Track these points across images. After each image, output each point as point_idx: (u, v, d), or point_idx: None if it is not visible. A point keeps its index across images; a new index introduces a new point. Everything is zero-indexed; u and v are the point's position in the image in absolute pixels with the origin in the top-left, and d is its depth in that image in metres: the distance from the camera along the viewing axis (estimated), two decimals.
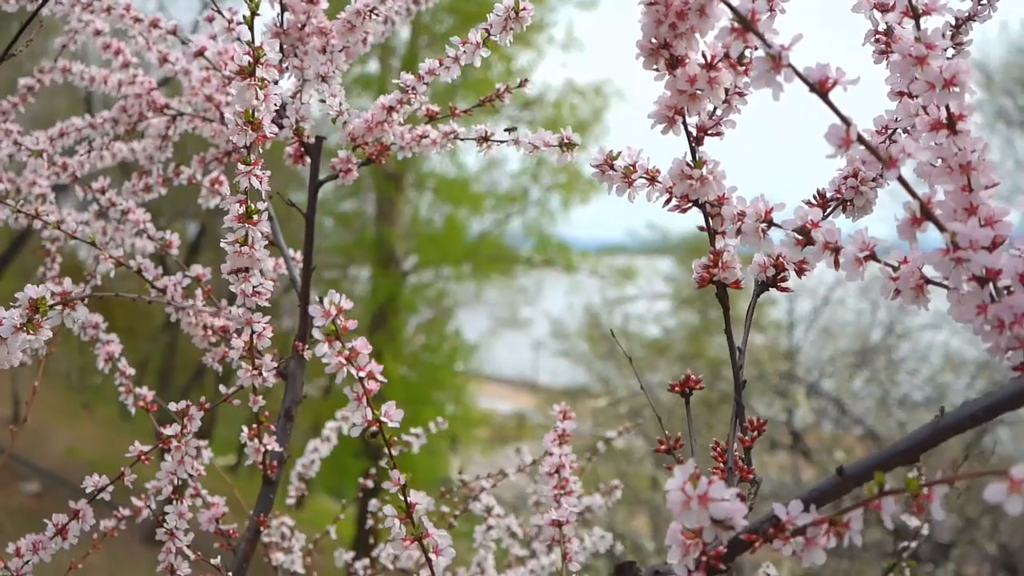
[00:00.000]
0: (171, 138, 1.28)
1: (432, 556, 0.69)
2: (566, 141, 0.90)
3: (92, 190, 1.20)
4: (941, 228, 0.55)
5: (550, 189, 11.70)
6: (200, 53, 1.09)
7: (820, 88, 0.54)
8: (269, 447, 1.02)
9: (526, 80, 1.07)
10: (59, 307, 0.72)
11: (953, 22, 0.79)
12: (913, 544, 1.22)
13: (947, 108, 0.58)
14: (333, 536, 1.47)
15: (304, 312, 1.04)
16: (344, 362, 0.66)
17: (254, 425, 1.02)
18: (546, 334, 11.97)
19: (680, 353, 9.51)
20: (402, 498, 0.69)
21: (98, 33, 1.23)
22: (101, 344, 1.17)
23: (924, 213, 0.56)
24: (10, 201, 1.03)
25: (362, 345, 0.67)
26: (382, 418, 0.68)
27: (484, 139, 1.01)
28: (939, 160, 0.60)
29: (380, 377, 0.67)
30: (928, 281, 0.58)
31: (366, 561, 1.42)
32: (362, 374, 0.67)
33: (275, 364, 0.96)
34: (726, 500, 0.54)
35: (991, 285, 0.56)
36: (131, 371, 1.15)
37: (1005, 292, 0.56)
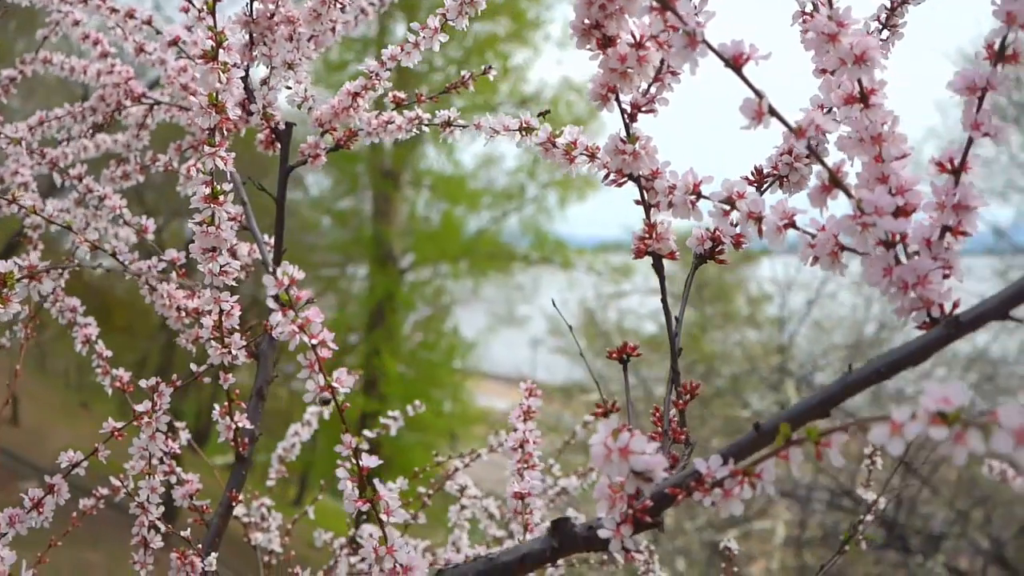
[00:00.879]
0: (148, 127, 1.31)
1: (384, 517, 0.72)
2: (525, 126, 0.93)
3: (70, 176, 1.23)
4: (849, 195, 0.58)
5: (547, 186, 11.73)
6: (174, 42, 1.12)
7: (734, 63, 0.57)
8: (240, 424, 1.06)
9: (490, 67, 1.10)
10: (26, 280, 0.75)
11: (889, 4, 0.82)
12: (868, 518, 1.25)
13: (859, 83, 0.61)
14: (311, 516, 1.50)
15: None
16: (297, 330, 0.69)
17: (225, 403, 1.05)
18: (543, 331, 12.00)
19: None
20: (354, 461, 0.72)
21: (77, 23, 1.26)
22: (79, 327, 1.20)
23: (833, 181, 0.59)
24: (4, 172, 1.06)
25: (314, 314, 0.70)
26: (334, 384, 0.71)
27: (447, 124, 1.04)
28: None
29: (332, 344, 0.71)
30: (843, 248, 0.61)
31: (342, 540, 1.45)
32: (315, 342, 0.70)
33: (244, 343, 1.00)
34: (646, 453, 0.57)
35: (900, 249, 0.59)
36: (108, 353, 1.18)
37: (915, 257, 0.60)
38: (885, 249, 0.58)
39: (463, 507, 1.41)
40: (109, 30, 1.30)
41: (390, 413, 1.50)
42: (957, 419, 0.43)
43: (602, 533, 0.61)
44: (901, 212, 0.59)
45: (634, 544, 0.62)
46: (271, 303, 0.69)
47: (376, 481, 0.72)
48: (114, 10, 1.17)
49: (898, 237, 0.58)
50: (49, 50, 1.40)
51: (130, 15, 1.18)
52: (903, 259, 0.59)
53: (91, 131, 1.30)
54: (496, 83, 11.39)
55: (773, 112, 0.57)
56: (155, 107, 1.30)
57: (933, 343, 0.54)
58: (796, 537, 6.37)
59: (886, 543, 6.18)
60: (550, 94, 11.17)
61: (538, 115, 0.88)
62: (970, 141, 0.59)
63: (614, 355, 0.75)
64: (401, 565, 0.71)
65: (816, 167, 0.59)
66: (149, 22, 1.19)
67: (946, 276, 0.58)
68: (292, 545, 1.50)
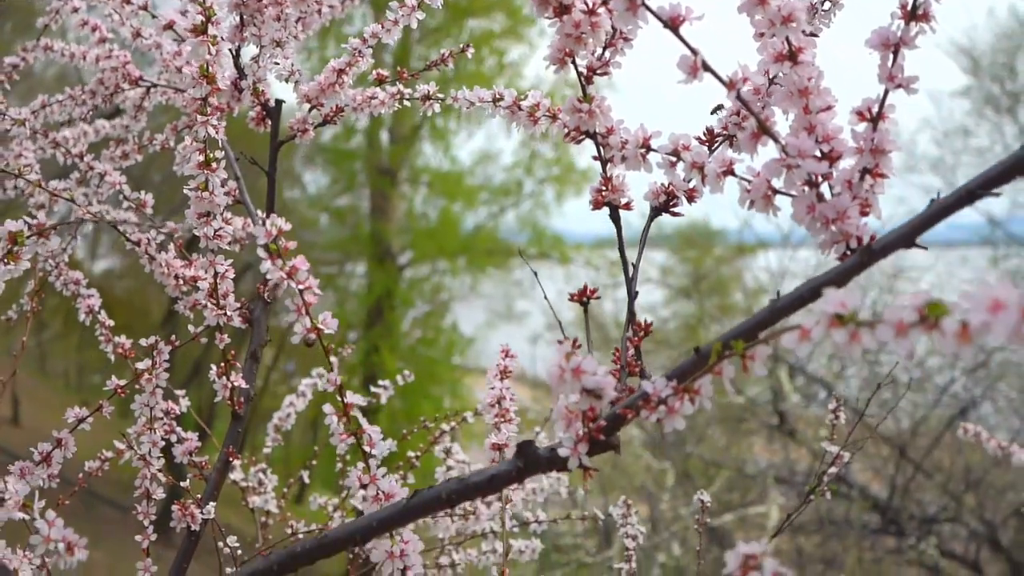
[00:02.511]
0: (146, 108, 1.37)
1: (367, 448, 0.79)
2: (497, 97, 0.99)
3: (72, 155, 1.30)
4: (776, 141, 0.65)
5: (544, 182, 11.82)
6: (169, 26, 1.18)
7: (672, 24, 0.64)
8: (236, 384, 1.12)
9: (468, 46, 1.17)
10: (34, 237, 0.81)
11: None
12: (833, 470, 1.31)
13: (788, 41, 0.67)
14: (306, 481, 1.57)
15: None
16: (285, 276, 0.76)
17: (222, 363, 1.11)
18: (542, 326, 12.06)
19: (674, 341, 9.62)
20: (339, 399, 0.79)
21: (75, 10, 1.33)
22: (82, 299, 1.26)
23: (761, 128, 0.65)
24: (8, 156, 1.12)
25: (301, 263, 0.77)
26: (319, 325, 0.77)
27: (427, 98, 1.11)
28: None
29: (317, 290, 0.77)
30: (775, 191, 0.68)
31: (336, 501, 1.52)
32: (301, 287, 0.76)
33: (238, 304, 1.06)
34: (596, 373, 0.63)
35: (825, 188, 0.66)
36: (110, 322, 1.24)
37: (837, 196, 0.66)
38: (809, 188, 0.64)
39: (449, 468, 1.48)
40: (105, 17, 1.36)
41: (380, 382, 1.57)
42: (852, 319, 0.49)
43: (561, 452, 0.68)
44: (827, 157, 0.66)
45: (590, 462, 0.68)
46: (261, 252, 0.76)
47: (359, 416, 0.79)
48: None
49: (820, 178, 0.64)
50: (50, 38, 1.46)
51: (127, 0, 1.24)
52: (828, 199, 0.66)
53: (91, 114, 1.36)
54: (492, 79, 11.46)
55: (707, 67, 0.64)
56: (152, 89, 1.37)
57: (850, 270, 0.61)
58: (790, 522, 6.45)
59: (880, 528, 6.26)
60: (546, 89, 11.20)
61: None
62: (886, 92, 0.65)
63: (575, 298, 0.81)
64: (383, 492, 0.77)
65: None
66: (145, 7, 1.25)
67: (864, 213, 0.65)
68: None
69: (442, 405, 10.93)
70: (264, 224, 0.75)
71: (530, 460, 0.71)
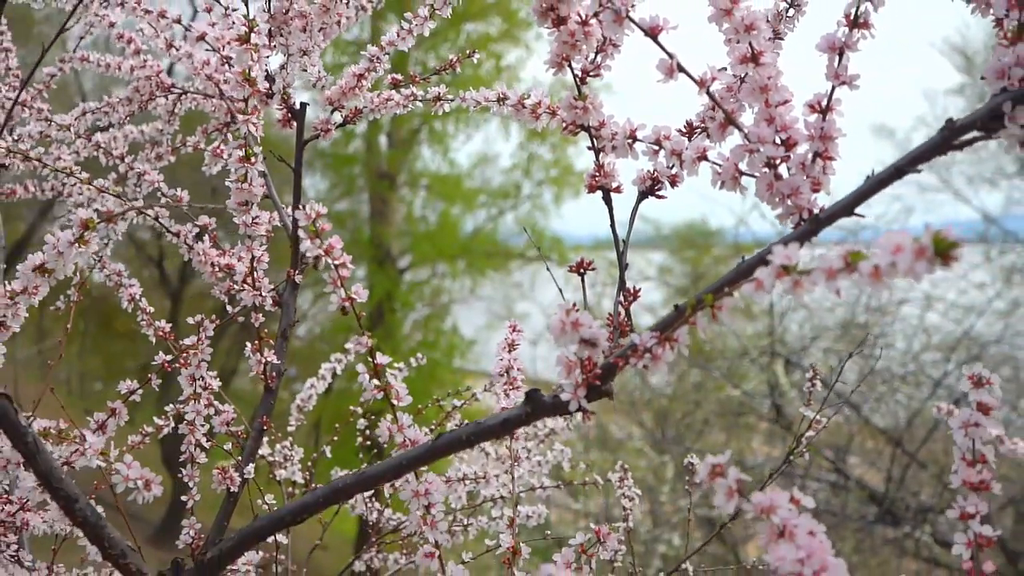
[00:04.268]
0: (177, 114, 1.50)
1: (394, 402, 0.91)
2: (501, 96, 1.11)
3: (113, 156, 1.42)
4: (740, 129, 0.77)
5: (542, 184, 11.95)
6: (201, 38, 1.31)
7: (652, 32, 0.76)
8: (269, 359, 1.24)
9: (474, 51, 1.29)
10: (104, 223, 0.93)
11: None
12: (811, 434, 1.42)
13: (751, 46, 0.79)
14: (328, 455, 1.69)
15: (295, 248, 1.26)
16: (323, 254, 0.88)
17: (256, 341, 1.23)
18: (543, 327, 12.15)
19: None
20: (370, 360, 0.91)
21: (112, 25, 1.45)
22: (125, 288, 1.39)
23: (728, 120, 0.77)
24: (47, 159, 1.24)
25: (336, 241, 0.89)
26: (352, 295, 0.89)
27: (437, 99, 1.23)
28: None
29: (350, 265, 0.89)
30: (741, 172, 0.80)
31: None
32: (337, 262, 0.88)
33: (272, 287, 1.18)
34: (591, 326, 0.75)
35: (784, 170, 0.78)
36: (151, 309, 1.37)
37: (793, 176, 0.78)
38: (769, 170, 0.76)
39: None
40: (137, 30, 1.49)
41: (395, 365, 1.68)
42: (794, 269, 0.62)
43: (563, 396, 0.80)
44: (785, 144, 0.78)
45: (588, 405, 0.80)
46: (301, 232, 0.88)
47: (388, 373, 0.91)
48: (148, 11, 1.36)
49: (778, 161, 0.77)
50: (85, 50, 1.59)
51: (162, 15, 1.36)
52: (785, 178, 0.78)
53: (128, 118, 1.48)
54: (489, 82, 11.60)
55: (681, 69, 0.76)
56: (183, 96, 1.49)
57: (801, 236, 0.73)
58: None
59: (877, 519, 6.37)
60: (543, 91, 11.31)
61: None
62: (832, 88, 0.77)
63: (573, 269, 0.93)
64: (409, 439, 0.89)
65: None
66: (178, 21, 1.37)
67: (816, 190, 0.77)
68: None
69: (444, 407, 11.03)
70: (304, 208, 0.87)
71: (537, 404, 0.83)
